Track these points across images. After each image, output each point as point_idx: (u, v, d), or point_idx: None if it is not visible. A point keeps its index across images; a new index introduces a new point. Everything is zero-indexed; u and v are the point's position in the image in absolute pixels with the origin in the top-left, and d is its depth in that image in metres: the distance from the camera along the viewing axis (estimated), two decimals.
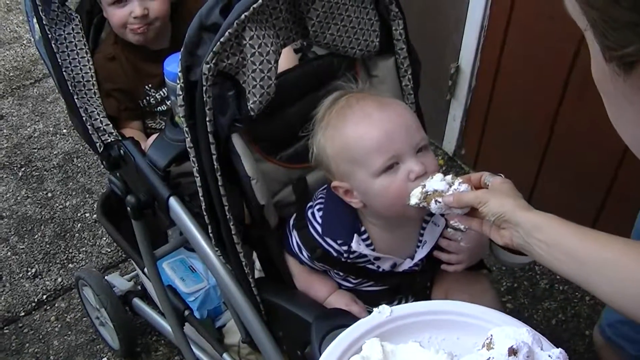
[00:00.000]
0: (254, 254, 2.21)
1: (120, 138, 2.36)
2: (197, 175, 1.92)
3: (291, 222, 2.15)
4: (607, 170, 3.28)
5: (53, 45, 2.36)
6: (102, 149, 2.34)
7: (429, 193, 1.81)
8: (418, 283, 2.23)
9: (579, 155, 3.29)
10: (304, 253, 2.11)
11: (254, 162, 1.97)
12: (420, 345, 1.61)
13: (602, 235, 1.55)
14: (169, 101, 2.60)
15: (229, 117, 1.87)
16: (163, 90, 2.65)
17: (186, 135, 1.87)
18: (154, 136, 2.38)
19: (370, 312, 2.09)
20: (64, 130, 4.90)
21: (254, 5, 1.79)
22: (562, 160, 3.55)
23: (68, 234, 4.13)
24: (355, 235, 2.05)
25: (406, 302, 2.24)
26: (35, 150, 4.76)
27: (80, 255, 4.00)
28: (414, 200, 1.83)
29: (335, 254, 2.08)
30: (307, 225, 2.10)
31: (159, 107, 2.70)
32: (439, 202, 1.78)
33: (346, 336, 1.63)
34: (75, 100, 2.36)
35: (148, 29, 2.61)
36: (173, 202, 2.14)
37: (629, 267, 1.45)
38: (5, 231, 4.18)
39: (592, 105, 3.35)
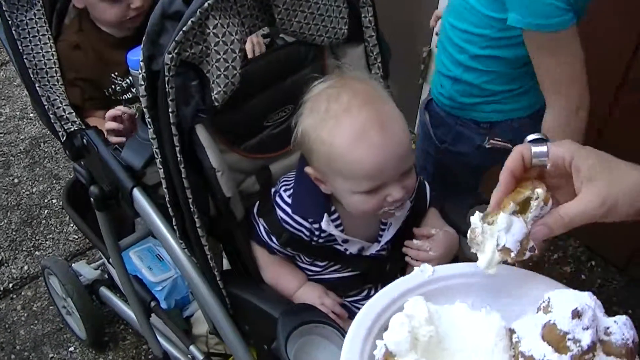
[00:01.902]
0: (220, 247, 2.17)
1: (83, 127, 2.31)
2: (161, 167, 1.88)
3: (255, 210, 2.12)
4: None
5: (14, 32, 2.31)
6: (64, 138, 2.30)
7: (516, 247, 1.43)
8: (388, 271, 2.20)
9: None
10: (273, 239, 2.08)
11: (219, 153, 1.92)
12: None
13: None
14: (134, 89, 2.56)
15: (193, 108, 1.82)
16: (129, 78, 2.59)
17: (149, 127, 1.83)
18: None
19: (343, 304, 2.08)
20: (31, 115, 4.83)
21: None
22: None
23: (35, 221, 4.08)
24: (326, 214, 2.03)
25: (376, 291, 2.22)
26: (2, 135, 4.71)
27: (47, 242, 3.95)
28: (491, 269, 1.46)
29: (304, 236, 2.06)
30: (274, 209, 2.08)
31: (125, 95, 2.65)
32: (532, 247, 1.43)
33: (384, 295, 1.51)
34: (37, 88, 2.32)
35: (140, 17, 2.59)
36: (137, 194, 2.09)
37: None
38: None
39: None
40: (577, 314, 1.25)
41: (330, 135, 1.86)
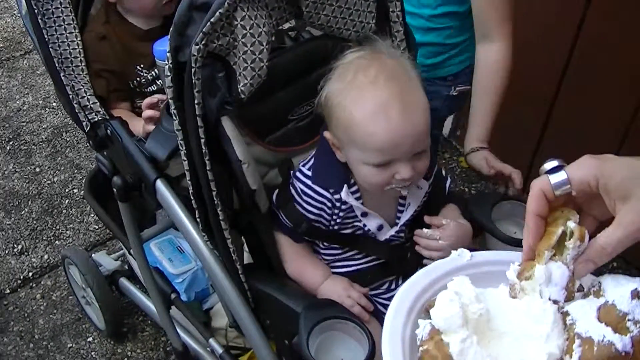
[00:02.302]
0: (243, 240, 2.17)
1: (107, 117, 2.31)
2: (185, 159, 1.87)
3: (274, 200, 2.13)
4: (608, 152, 3.26)
5: (40, 21, 2.31)
6: (88, 127, 2.30)
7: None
8: (409, 261, 2.18)
9: (578, 137, 3.24)
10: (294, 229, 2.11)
11: (245, 146, 1.92)
12: None
13: None
14: (160, 81, 2.55)
15: (219, 100, 1.82)
16: (155, 70, 2.59)
17: (174, 118, 1.82)
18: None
19: (366, 296, 2.05)
20: (54, 104, 4.82)
21: None
22: (560, 143, 3.50)
23: (55, 210, 4.08)
24: (345, 185, 2.04)
25: (397, 284, 2.21)
26: (24, 124, 4.70)
27: (67, 232, 3.95)
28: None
29: (326, 213, 2.08)
30: (291, 198, 2.09)
31: (150, 88, 2.65)
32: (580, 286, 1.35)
33: (424, 275, 1.47)
34: (62, 77, 2.32)
35: (174, 2, 2.57)
36: (160, 185, 2.08)
37: None
38: None
39: (591, 87, 3.35)
40: (636, 294, 1.22)
41: (352, 103, 1.89)
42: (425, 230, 2.11)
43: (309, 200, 2.07)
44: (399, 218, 2.14)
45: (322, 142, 2.08)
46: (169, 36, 1.77)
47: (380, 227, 2.12)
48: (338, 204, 2.06)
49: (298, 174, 2.10)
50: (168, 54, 1.76)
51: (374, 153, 1.89)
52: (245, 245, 2.17)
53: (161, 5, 2.57)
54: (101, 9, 2.62)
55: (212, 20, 1.71)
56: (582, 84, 3.30)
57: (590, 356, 1.21)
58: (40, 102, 4.87)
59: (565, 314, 1.30)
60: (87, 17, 2.62)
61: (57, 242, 3.90)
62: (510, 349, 1.33)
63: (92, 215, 3.99)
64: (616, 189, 1.21)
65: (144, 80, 2.63)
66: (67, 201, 4.14)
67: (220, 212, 1.92)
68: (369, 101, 1.87)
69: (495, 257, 1.57)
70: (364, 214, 2.09)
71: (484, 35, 2.63)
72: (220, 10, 1.71)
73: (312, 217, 2.09)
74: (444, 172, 2.28)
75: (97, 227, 3.96)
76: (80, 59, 2.42)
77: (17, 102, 4.89)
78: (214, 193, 1.88)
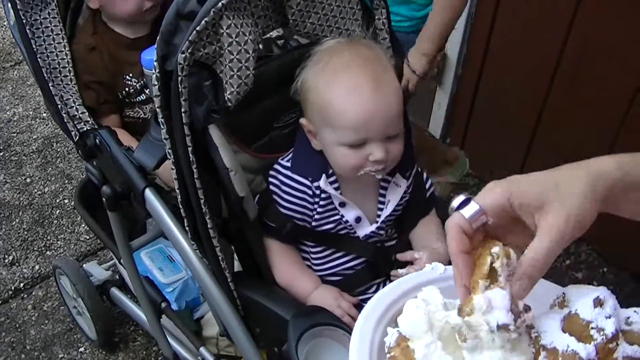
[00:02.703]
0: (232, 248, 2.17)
1: (96, 127, 2.31)
2: (173, 167, 1.87)
3: (256, 203, 2.13)
4: (601, 154, 3.28)
5: (28, 31, 2.32)
6: (77, 137, 2.30)
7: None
8: (394, 262, 2.20)
9: (567, 143, 3.26)
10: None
11: (232, 154, 1.93)
12: None
13: None
14: (148, 90, 2.56)
15: (206, 108, 1.83)
16: (143, 79, 2.59)
17: (162, 127, 1.83)
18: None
19: (357, 305, 2.06)
20: (44, 115, 4.83)
21: None
22: (549, 149, 3.52)
23: (46, 221, 4.08)
24: (324, 175, 2.07)
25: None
26: (15, 135, 4.70)
27: (58, 242, 3.95)
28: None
29: (307, 203, 2.10)
30: (273, 197, 2.11)
31: (138, 97, 2.65)
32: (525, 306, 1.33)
33: (395, 287, 1.47)
34: (51, 87, 2.32)
35: (157, 8, 2.60)
36: (149, 194, 2.09)
37: None
38: None
39: (581, 93, 3.37)
40: (599, 303, 1.22)
41: (325, 85, 1.95)
42: (399, 270, 2.13)
43: (290, 191, 2.09)
44: (379, 216, 2.16)
45: (300, 134, 2.12)
46: (156, 45, 1.78)
47: (358, 219, 2.13)
48: (318, 192, 2.08)
49: (277, 166, 2.13)
50: (155, 63, 1.77)
51: (347, 131, 1.93)
52: (234, 253, 2.17)
53: (143, 11, 2.57)
54: (88, 19, 2.62)
55: (198, 28, 1.71)
56: (573, 84, 3.32)
57: None
58: (31, 112, 4.87)
59: (529, 327, 1.29)
60: (75, 27, 2.62)
61: (48, 252, 3.90)
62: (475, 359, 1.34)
63: (83, 225, 3.99)
64: (531, 203, 1.21)
65: (132, 89, 2.63)
66: (57, 211, 4.13)
67: (208, 220, 1.92)
68: (342, 82, 1.93)
69: None
70: (342, 204, 2.10)
71: None
72: (206, 19, 1.72)
73: (294, 214, 2.10)
74: (425, 174, 2.29)
75: (88, 237, 3.96)
76: (69, 69, 2.42)
77: (7, 112, 4.89)
78: (202, 201, 1.88)
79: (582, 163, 1.23)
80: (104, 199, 2.22)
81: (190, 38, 1.72)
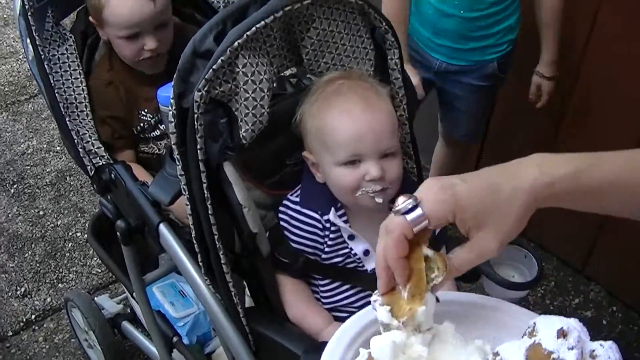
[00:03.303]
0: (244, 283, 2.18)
1: (111, 162, 2.34)
2: (188, 203, 1.90)
3: (268, 239, 2.14)
4: None
5: (46, 66, 2.34)
6: (93, 172, 2.32)
7: None
8: None
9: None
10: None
11: (245, 190, 1.95)
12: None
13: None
14: (162, 125, 2.58)
15: (221, 145, 1.85)
16: (158, 115, 2.61)
17: (177, 163, 1.85)
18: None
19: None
20: (58, 148, 4.87)
21: (248, 33, 1.77)
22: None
23: (59, 253, 4.10)
24: (333, 208, 2.09)
25: None
26: (28, 167, 4.74)
27: (70, 275, 3.97)
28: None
29: (318, 236, 2.11)
30: (283, 232, 2.13)
31: (153, 132, 2.67)
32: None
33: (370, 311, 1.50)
34: (67, 122, 2.34)
35: (160, 58, 2.60)
36: (163, 229, 2.11)
37: None
38: None
39: (588, 130, 3.39)
40: (562, 334, 1.27)
41: (318, 111, 2.02)
42: None
43: (300, 225, 2.11)
44: None
45: (306, 169, 2.14)
46: (172, 83, 1.80)
47: (366, 252, 2.13)
48: (328, 225, 2.10)
49: (286, 202, 2.14)
50: (172, 100, 1.80)
51: (340, 148, 1.97)
52: (246, 288, 2.19)
53: (140, 60, 2.58)
54: (105, 55, 2.65)
55: (214, 67, 1.74)
56: (592, 95, 3.36)
57: None
58: (45, 145, 4.91)
59: (495, 355, 1.34)
60: (92, 63, 2.65)
61: (60, 285, 3.92)
62: None
63: (95, 258, 4.01)
64: (470, 220, 1.29)
65: (147, 125, 2.65)
66: (70, 244, 4.16)
67: (222, 256, 1.94)
68: (334, 106, 1.99)
69: (449, 297, 1.60)
70: (351, 237, 2.11)
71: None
72: (222, 58, 1.75)
73: (306, 248, 2.11)
74: None
75: (99, 270, 3.98)
76: (85, 104, 2.45)
77: (22, 145, 4.93)
78: (216, 237, 1.90)
79: (517, 175, 1.31)
80: (118, 233, 2.24)
81: (206, 76, 1.75)
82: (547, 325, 1.31)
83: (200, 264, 2.01)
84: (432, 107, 3.56)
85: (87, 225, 4.00)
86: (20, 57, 5.76)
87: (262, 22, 1.80)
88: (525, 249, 2.27)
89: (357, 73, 2.08)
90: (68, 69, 2.45)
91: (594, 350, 1.30)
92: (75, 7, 2.67)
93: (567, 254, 3.92)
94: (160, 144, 2.65)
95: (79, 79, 2.46)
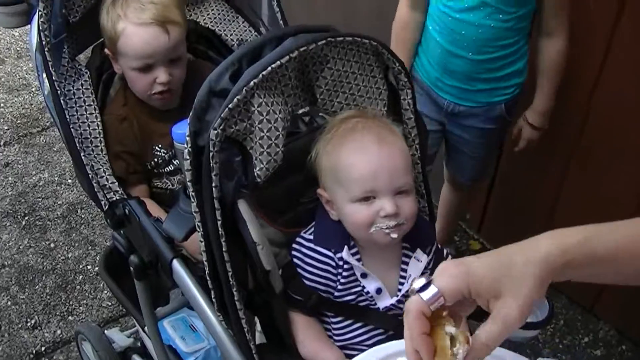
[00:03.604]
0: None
1: (125, 197, 2.36)
2: (202, 240, 1.91)
3: (281, 276, 2.15)
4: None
5: (62, 101, 2.36)
6: (107, 207, 2.34)
7: None
8: None
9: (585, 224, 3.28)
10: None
11: (259, 228, 1.96)
12: None
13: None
14: (176, 161, 2.60)
15: (236, 183, 1.88)
16: (172, 150, 2.63)
17: (192, 200, 1.87)
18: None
19: None
20: (69, 181, 4.89)
21: (263, 73, 1.80)
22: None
23: (69, 286, 4.12)
24: (346, 246, 2.10)
25: None
26: (40, 200, 4.76)
27: (80, 307, 3.98)
28: None
29: (331, 274, 2.12)
30: (296, 270, 2.14)
31: (167, 167, 2.69)
32: None
33: (380, 349, 1.60)
34: (82, 157, 2.36)
35: (171, 94, 2.62)
36: (176, 265, 2.12)
37: None
38: (6, 280, 4.16)
39: (595, 175, 3.40)
40: None
41: (333, 149, 2.06)
42: None
43: (313, 262, 2.12)
44: (400, 290, 2.17)
45: (320, 206, 2.16)
46: (188, 121, 1.82)
47: (379, 291, 2.14)
48: (341, 263, 2.10)
49: (299, 239, 2.16)
50: (187, 138, 1.81)
51: (355, 185, 1.99)
52: (258, 324, 2.20)
53: (152, 94, 2.60)
54: (119, 91, 2.68)
55: (230, 106, 1.77)
56: (601, 138, 3.36)
57: None
58: (56, 178, 4.94)
59: None
60: (106, 98, 2.68)
61: (70, 317, 3.93)
62: None
63: (105, 291, 4.02)
64: (487, 291, 1.30)
65: (161, 160, 2.66)
66: (80, 277, 4.17)
67: (235, 292, 1.94)
68: (349, 143, 2.03)
69: None
70: (364, 275, 2.12)
71: (547, 33, 2.97)
72: (238, 97, 1.77)
73: (319, 285, 2.12)
74: (445, 251, 2.31)
75: (110, 303, 3.99)
76: (100, 140, 2.47)
77: (33, 177, 4.96)
78: (230, 274, 1.91)
79: (529, 247, 1.33)
80: (131, 268, 2.25)
81: (222, 115, 1.77)
82: None
83: (214, 300, 2.03)
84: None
85: (97, 258, 4.05)
86: (33, 89, 5.79)
87: (278, 62, 1.83)
88: None
89: (371, 112, 2.11)
90: (83, 104, 2.47)
91: None
92: (91, 43, 2.72)
93: (577, 293, 3.91)
94: (174, 179, 2.67)
95: (94, 114, 2.48)
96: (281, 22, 2.58)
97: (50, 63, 2.33)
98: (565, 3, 2.88)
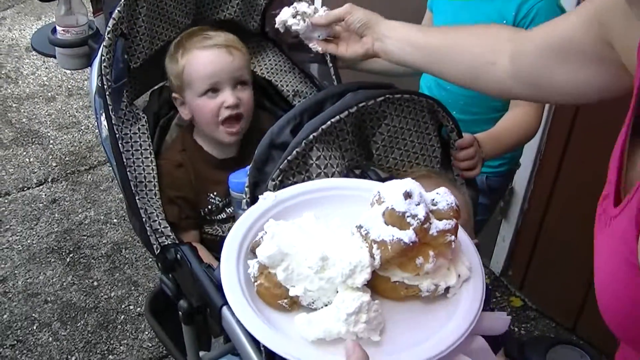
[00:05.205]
0: None
1: (177, 242, 2.38)
2: None
3: None
4: None
5: (119, 144, 2.40)
6: (158, 251, 2.36)
7: (298, 13, 2.29)
8: None
9: None
10: None
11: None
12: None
13: (450, 29, 2.17)
14: (229, 209, 2.63)
15: None
16: (226, 199, 2.65)
17: None
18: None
19: None
20: (115, 220, 4.95)
21: (323, 126, 1.84)
22: None
23: (111, 325, 4.15)
24: None
25: None
26: (85, 237, 4.82)
27: (121, 347, 4.01)
28: (284, 16, 2.33)
29: None
30: None
31: (219, 215, 2.71)
32: (307, 21, 2.28)
33: (241, 224, 1.71)
34: (137, 200, 2.39)
35: (240, 123, 2.62)
36: (226, 312, 2.14)
37: (465, 45, 1.96)
38: (49, 316, 4.20)
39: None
40: (407, 195, 1.49)
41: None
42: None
43: None
44: None
45: None
46: (247, 172, 1.86)
47: None
48: None
49: None
50: (246, 189, 1.85)
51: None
52: None
53: (217, 123, 2.60)
54: (177, 137, 2.73)
55: (289, 158, 1.81)
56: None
57: (387, 255, 1.47)
58: (102, 217, 5.00)
59: (359, 228, 1.53)
60: (162, 144, 2.73)
61: (110, 356, 3.96)
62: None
63: (147, 332, 4.05)
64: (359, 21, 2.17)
65: (214, 207, 2.69)
66: (122, 317, 4.21)
67: None
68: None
69: (297, 190, 1.81)
70: None
71: (516, 104, 2.76)
72: (297, 149, 1.81)
73: None
74: None
75: (150, 344, 4.01)
76: (154, 184, 2.49)
77: (79, 215, 5.02)
78: None
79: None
80: (180, 313, 2.28)
81: (281, 167, 1.80)
82: (391, 191, 1.52)
83: (262, 349, 2.04)
84: None
85: (140, 298, 4.08)
86: (82, 127, 5.88)
87: (337, 117, 1.87)
88: (579, 347, 2.30)
89: (435, 172, 2.14)
90: (139, 147, 2.50)
91: (433, 199, 1.56)
92: (149, 88, 2.77)
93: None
94: (225, 226, 2.68)
95: (149, 159, 2.51)
96: (334, 76, 2.61)
97: (110, 107, 2.38)
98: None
